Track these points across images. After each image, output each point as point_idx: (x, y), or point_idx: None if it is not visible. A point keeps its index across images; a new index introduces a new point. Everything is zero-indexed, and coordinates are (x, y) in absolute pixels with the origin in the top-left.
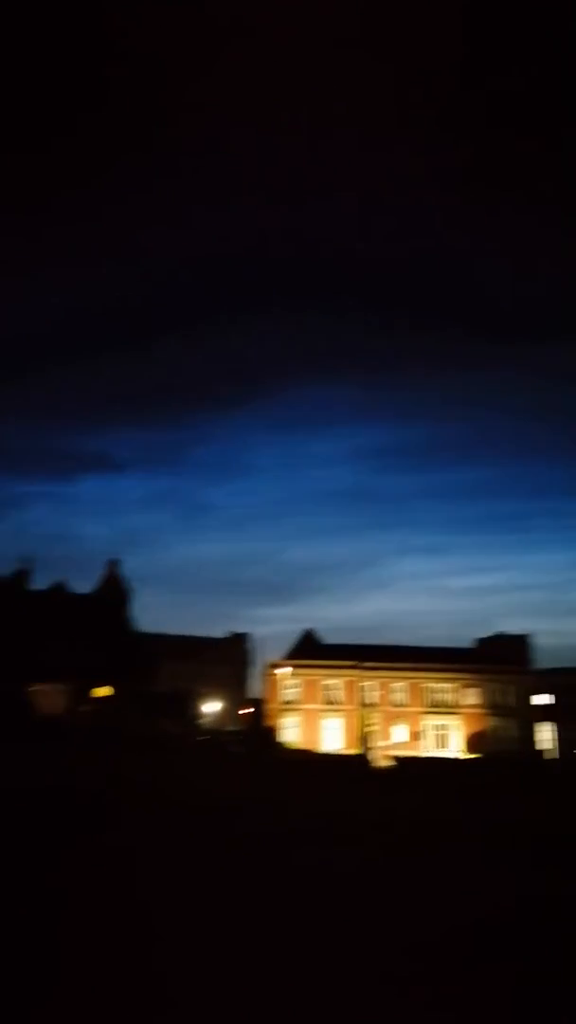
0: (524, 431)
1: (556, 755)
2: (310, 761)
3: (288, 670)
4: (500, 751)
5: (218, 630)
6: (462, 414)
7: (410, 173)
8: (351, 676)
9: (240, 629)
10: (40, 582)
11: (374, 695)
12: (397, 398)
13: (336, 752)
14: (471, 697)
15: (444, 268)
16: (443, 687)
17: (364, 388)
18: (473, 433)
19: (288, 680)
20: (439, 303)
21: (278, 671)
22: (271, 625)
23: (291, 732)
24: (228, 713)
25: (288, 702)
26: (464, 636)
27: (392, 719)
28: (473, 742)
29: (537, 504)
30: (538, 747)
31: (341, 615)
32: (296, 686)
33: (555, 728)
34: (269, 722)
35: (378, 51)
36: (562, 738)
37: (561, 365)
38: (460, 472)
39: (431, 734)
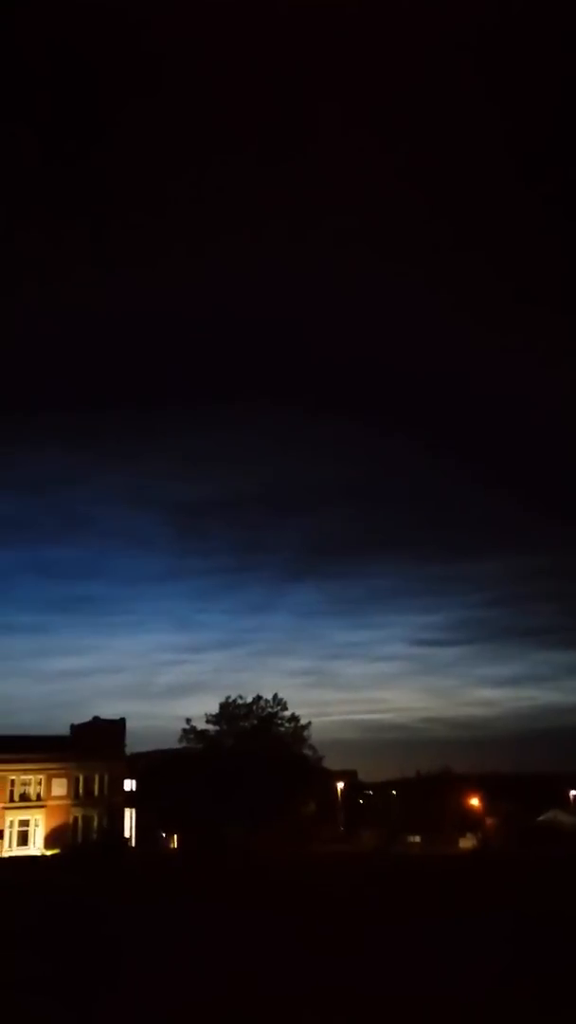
0: (123, 516)
1: (135, 842)
2: None
3: None
4: (83, 843)
5: None
6: (65, 490)
7: None
8: None
9: None
10: None
11: None
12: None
13: None
14: (59, 788)
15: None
16: (29, 779)
17: None
18: (74, 511)
19: None
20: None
21: None
22: None
23: None
24: None
25: None
26: (59, 721)
27: None
28: (55, 836)
29: (132, 588)
30: (124, 835)
31: None
32: None
33: (134, 814)
34: None
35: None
36: (143, 823)
37: (160, 457)
38: (60, 550)
39: (14, 831)
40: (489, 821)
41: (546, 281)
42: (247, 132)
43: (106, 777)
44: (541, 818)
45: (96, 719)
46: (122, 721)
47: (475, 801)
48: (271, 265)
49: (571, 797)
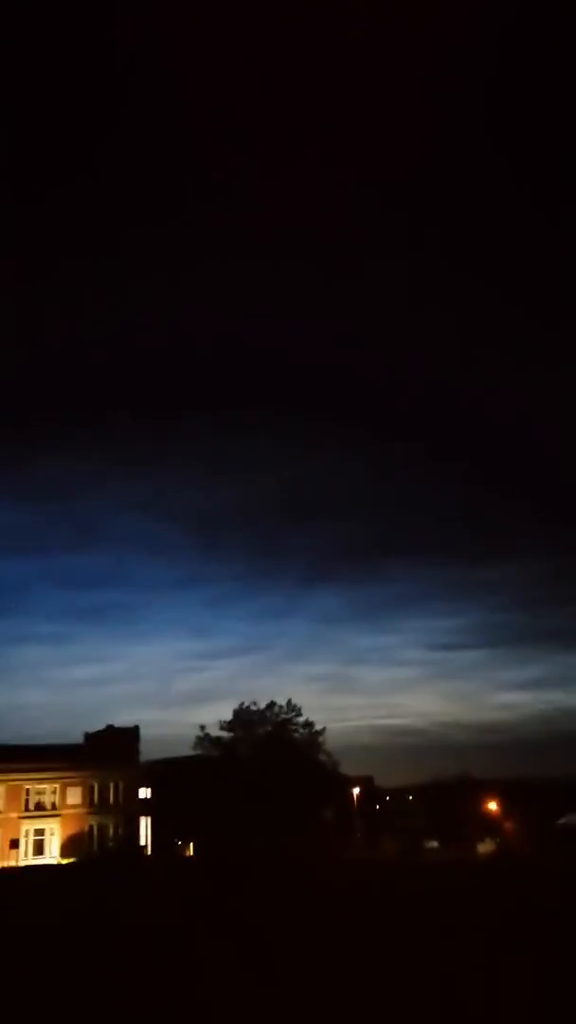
0: (140, 524)
1: (150, 849)
2: None
3: None
4: (99, 852)
5: None
6: (82, 500)
7: None
8: None
9: None
10: None
11: None
12: (15, 477)
13: None
14: (73, 797)
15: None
16: (44, 788)
17: None
18: (91, 520)
19: None
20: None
21: None
22: None
23: None
24: None
25: None
26: (77, 729)
27: None
28: (71, 845)
29: (150, 596)
30: (140, 843)
31: None
32: None
33: (150, 822)
34: None
35: None
36: (159, 831)
37: (177, 465)
38: (77, 560)
39: (30, 840)
40: (508, 825)
41: (548, 293)
42: (250, 154)
43: (121, 785)
44: (561, 821)
45: (110, 727)
46: (136, 729)
47: (493, 806)
48: (290, 276)
49: None
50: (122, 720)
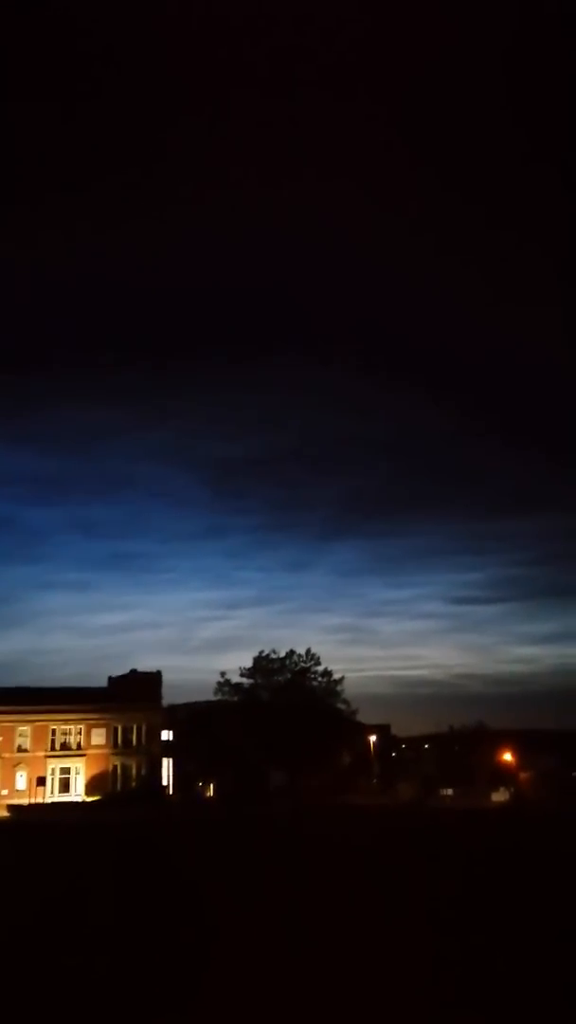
0: (162, 474)
1: (172, 789)
2: None
3: None
4: (123, 790)
5: None
6: (105, 449)
7: None
8: None
9: None
10: None
11: None
12: (38, 427)
13: None
14: (98, 737)
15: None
16: (69, 729)
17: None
18: (114, 469)
19: None
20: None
21: None
22: None
23: None
24: None
25: None
26: (101, 674)
27: (14, 766)
28: (95, 784)
29: (171, 546)
30: (162, 783)
31: None
32: None
33: (172, 763)
34: None
35: None
36: (181, 772)
37: (198, 416)
38: (100, 509)
39: (56, 779)
40: (523, 776)
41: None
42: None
43: (144, 727)
44: None
45: (133, 671)
46: (158, 674)
47: (508, 756)
48: (307, 226)
49: None
50: (144, 665)
